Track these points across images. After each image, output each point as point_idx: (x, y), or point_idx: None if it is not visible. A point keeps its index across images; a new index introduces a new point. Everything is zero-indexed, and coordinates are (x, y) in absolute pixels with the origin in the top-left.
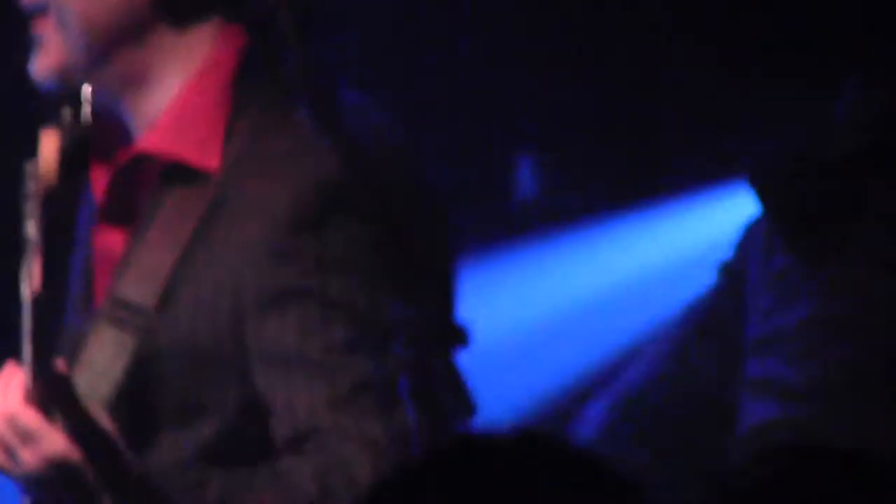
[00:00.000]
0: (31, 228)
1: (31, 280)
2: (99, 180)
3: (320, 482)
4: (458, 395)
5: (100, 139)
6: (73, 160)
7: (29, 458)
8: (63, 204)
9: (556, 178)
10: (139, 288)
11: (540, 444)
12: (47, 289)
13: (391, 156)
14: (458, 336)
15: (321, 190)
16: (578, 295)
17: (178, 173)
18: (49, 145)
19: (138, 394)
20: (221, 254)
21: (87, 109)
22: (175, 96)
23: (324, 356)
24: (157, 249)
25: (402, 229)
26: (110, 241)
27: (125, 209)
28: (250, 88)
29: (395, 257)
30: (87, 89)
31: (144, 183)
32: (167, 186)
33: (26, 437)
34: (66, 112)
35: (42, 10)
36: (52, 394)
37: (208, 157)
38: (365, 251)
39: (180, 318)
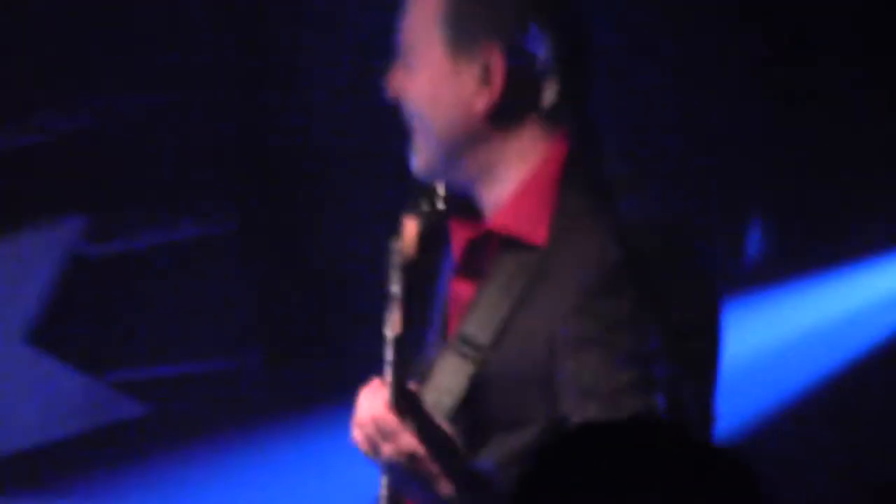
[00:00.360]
0: (394, 288)
1: (392, 325)
2: (458, 244)
3: None
4: (705, 425)
5: (458, 213)
6: (430, 235)
7: (388, 450)
8: (420, 269)
9: (786, 234)
10: (480, 328)
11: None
12: (405, 331)
13: (661, 227)
14: (715, 372)
15: (609, 265)
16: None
17: (514, 245)
18: (409, 227)
19: (472, 407)
20: (541, 307)
21: (442, 198)
22: (514, 187)
23: (613, 392)
24: (495, 300)
25: (667, 289)
26: (462, 290)
27: (475, 267)
28: (569, 180)
29: (662, 313)
30: (441, 182)
31: (490, 249)
32: (507, 253)
33: (387, 434)
34: (426, 200)
35: (415, 124)
36: (406, 405)
37: (537, 235)
38: (639, 310)
39: (508, 353)
